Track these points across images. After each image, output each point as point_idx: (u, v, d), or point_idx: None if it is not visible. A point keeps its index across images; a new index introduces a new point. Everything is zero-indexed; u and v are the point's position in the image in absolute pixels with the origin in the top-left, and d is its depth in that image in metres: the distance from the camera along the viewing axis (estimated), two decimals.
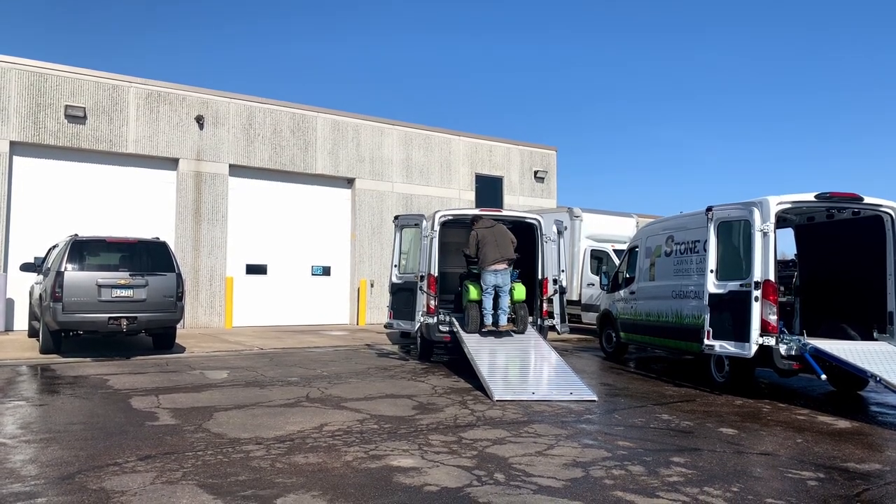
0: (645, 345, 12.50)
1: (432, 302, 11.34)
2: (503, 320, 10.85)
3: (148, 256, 12.01)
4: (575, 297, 17.76)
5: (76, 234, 12.01)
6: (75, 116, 16.14)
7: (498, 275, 10.80)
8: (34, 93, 15.83)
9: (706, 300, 9.39)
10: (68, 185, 16.37)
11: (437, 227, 11.49)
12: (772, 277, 8.56)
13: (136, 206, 17.05)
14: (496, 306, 10.87)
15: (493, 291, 10.83)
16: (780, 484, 5.25)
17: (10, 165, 15.63)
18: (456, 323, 11.04)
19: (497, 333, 10.77)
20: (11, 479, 4.93)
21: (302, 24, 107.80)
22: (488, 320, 10.79)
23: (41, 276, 12.53)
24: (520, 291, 11.17)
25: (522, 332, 10.99)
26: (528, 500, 4.68)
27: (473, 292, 10.99)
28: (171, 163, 17.56)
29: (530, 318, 11.43)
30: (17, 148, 15.77)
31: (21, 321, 15.41)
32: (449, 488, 4.91)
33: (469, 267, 11.57)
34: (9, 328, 15.56)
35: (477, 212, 12.93)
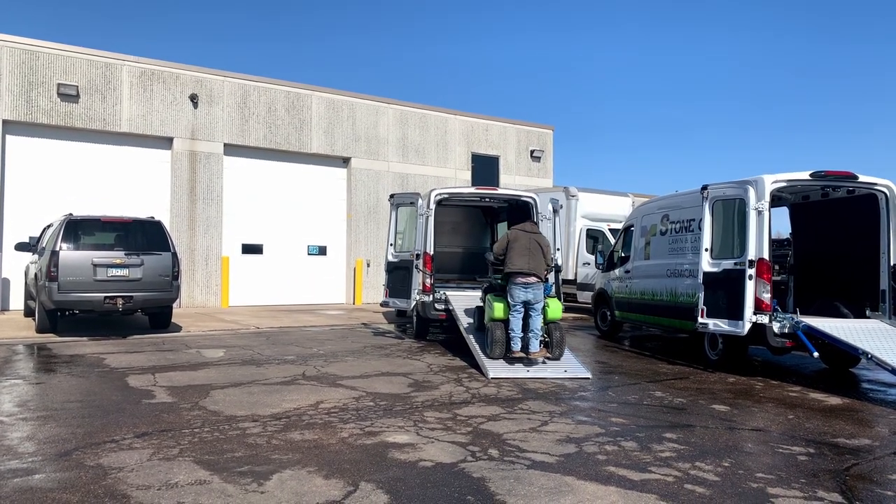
0: (640, 323, 12.57)
1: (428, 280, 11.36)
2: (535, 345, 8.87)
3: (143, 236, 11.99)
4: (570, 277, 17.84)
5: (71, 214, 11.98)
6: (68, 95, 16.01)
7: (529, 289, 8.82)
8: (26, 71, 15.68)
9: (700, 278, 9.43)
10: (62, 164, 16.28)
11: (432, 206, 11.49)
12: (766, 256, 8.60)
13: (130, 186, 16.98)
14: (526, 328, 8.93)
15: (522, 309, 8.88)
16: (771, 459, 5.31)
17: (2, 144, 15.52)
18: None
19: (527, 361, 8.88)
20: (9, 456, 4.97)
21: (297, 7, 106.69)
22: (516, 345, 8.86)
23: (36, 256, 12.52)
24: (555, 309, 9.24)
25: (558, 358, 9.07)
26: (521, 476, 4.74)
27: (498, 309, 9.01)
28: (166, 142, 17.46)
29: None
30: (9, 127, 15.65)
31: (17, 301, 15.42)
32: (444, 464, 4.96)
33: (492, 276, 9.75)
34: (4, 308, 15.58)
35: (473, 189, 12.97)
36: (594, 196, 18.93)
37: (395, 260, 12.68)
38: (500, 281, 9.30)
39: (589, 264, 17.32)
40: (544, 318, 9.08)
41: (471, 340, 9.60)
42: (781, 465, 5.15)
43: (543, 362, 8.95)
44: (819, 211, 10.40)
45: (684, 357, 10.59)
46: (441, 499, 4.27)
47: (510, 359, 8.90)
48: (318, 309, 18.10)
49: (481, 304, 9.93)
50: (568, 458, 5.18)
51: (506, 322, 8.98)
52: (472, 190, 12.86)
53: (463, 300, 11.15)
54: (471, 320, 10.25)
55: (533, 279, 8.88)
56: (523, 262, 8.87)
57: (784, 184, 8.99)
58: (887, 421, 6.75)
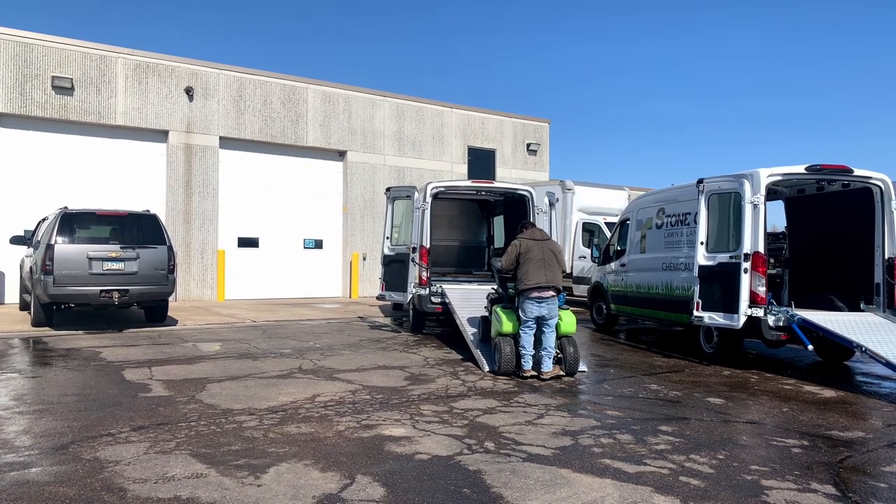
0: (635, 316, 12.60)
1: (424, 273, 11.36)
2: (547, 364, 8.04)
3: (139, 229, 11.97)
4: (567, 270, 17.84)
5: (66, 207, 11.95)
6: (63, 88, 15.93)
7: (544, 304, 8.00)
8: (20, 63, 15.60)
9: (696, 272, 9.46)
10: (57, 157, 16.22)
11: (428, 199, 11.49)
12: (761, 249, 8.62)
13: (126, 179, 16.94)
14: (538, 344, 8.13)
15: (534, 324, 8.07)
16: (765, 451, 5.34)
17: None
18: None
19: (538, 380, 8.02)
20: (5, 450, 4.97)
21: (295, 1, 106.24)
22: (527, 363, 8.05)
23: (31, 249, 12.49)
24: (568, 322, 8.40)
25: (572, 375, 8.30)
26: (517, 468, 4.76)
27: (507, 323, 8.21)
28: (161, 135, 17.40)
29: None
30: (3, 119, 15.58)
31: (12, 294, 15.40)
32: (440, 456, 4.98)
33: (500, 286, 8.98)
34: (0, 301, 15.53)
35: (469, 183, 12.96)
36: (590, 189, 18.95)
37: (392, 253, 12.68)
38: (511, 291, 8.53)
39: (585, 258, 17.35)
40: (557, 332, 8.26)
41: (468, 336, 9.49)
42: (776, 457, 5.18)
43: (556, 380, 8.13)
44: (814, 205, 10.42)
45: (679, 350, 10.62)
46: (437, 491, 4.28)
47: (521, 377, 8.09)
48: (314, 302, 18.10)
49: (486, 314, 9.18)
50: (563, 450, 5.20)
51: (515, 337, 8.20)
52: (469, 183, 12.86)
53: (459, 293, 11.15)
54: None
55: (549, 293, 8.06)
56: (541, 277, 8.04)
57: (779, 177, 9.00)
58: (881, 413, 6.78)
